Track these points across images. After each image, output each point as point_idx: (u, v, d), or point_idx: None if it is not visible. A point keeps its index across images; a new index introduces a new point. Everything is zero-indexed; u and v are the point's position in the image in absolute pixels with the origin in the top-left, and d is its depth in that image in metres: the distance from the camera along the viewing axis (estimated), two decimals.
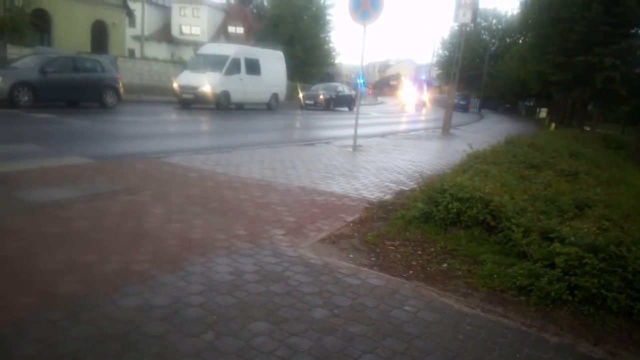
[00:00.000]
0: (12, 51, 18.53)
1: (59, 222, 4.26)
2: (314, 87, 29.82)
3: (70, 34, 25.73)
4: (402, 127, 21.29)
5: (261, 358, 2.50)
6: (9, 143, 8.20)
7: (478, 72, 49.81)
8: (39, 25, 24.47)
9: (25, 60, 14.97)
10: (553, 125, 27.54)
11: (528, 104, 56.06)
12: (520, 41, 43.19)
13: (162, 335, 2.62)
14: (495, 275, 3.84)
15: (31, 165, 6.39)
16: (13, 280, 3.08)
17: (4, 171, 5.88)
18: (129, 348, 2.47)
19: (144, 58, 29.69)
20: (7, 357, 2.30)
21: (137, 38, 36.90)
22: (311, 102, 27.76)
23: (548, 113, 42.65)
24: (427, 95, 52.92)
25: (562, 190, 5.96)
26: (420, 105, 47.19)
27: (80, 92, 15.18)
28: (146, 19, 33.39)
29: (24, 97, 13.24)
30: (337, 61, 46.47)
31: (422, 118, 30.21)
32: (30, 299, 2.85)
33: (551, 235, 4.11)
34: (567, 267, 3.56)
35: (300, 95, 28.29)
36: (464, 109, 44.76)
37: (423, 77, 60.58)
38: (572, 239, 3.85)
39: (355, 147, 11.02)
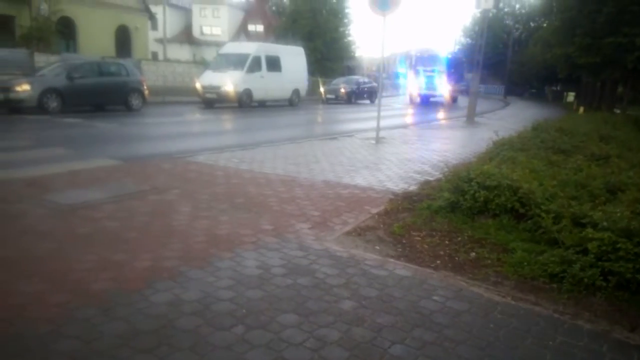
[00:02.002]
0: (40, 59, 19.04)
1: (90, 223, 4.37)
2: (335, 81, 29.73)
3: (95, 40, 26.26)
4: (424, 117, 21.04)
5: (291, 350, 2.52)
6: (40, 147, 8.44)
7: (502, 59, 48.80)
8: (65, 33, 25.05)
9: (52, 67, 15.36)
10: (581, 109, 26.79)
11: (555, 88, 54.68)
12: (545, 25, 42.09)
13: (194, 329, 2.66)
14: (525, 263, 3.77)
15: (61, 168, 6.57)
16: (47, 279, 3.18)
17: (35, 175, 6.06)
18: (162, 343, 2.52)
19: (166, 60, 30.09)
20: (44, 352, 2.38)
21: (159, 41, 37.39)
22: (332, 96, 27.70)
23: (576, 97, 41.53)
24: (455, 84, 51.60)
25: (593, 174, 5.81)
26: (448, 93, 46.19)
27: (106, 96, 15.51)
28: (168, 21, 33.80)
29: (53, 103, 13.60)
30: (357, 54, 46.20)
31: (445, 107, 29.76)
32: (64, 297, 2.94)
33: (583, 221, 4.02)
34: (600, 253, 3.47)
35: (322, 89, 28.26)
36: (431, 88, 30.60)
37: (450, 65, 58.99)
38: (605, 224, 3.75)
39: (378, 139, 10.95)
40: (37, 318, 2.68)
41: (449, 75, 30.10)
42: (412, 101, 30.32)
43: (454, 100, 31.68)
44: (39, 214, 4.57)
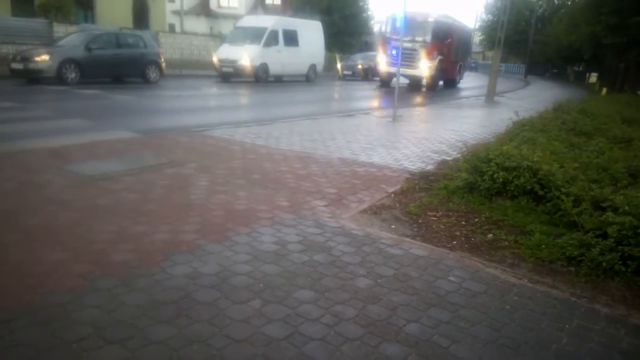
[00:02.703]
0: (58, 29, 19.08)
1: (110, 194, 4.43)
2: (352, 57, 29.35)
3: (113, 11, 26.13)
4: (443, 95, 20.74)
5: (307, 325, 2.55)
6: (60, 118, 8.52)
7: (524, 37, 47.64)
8: (83, 3, 24.99)
9: (70, 37, 15.38)
10: (604, 91, 26.17)
11: (577, 69, 53.40)
12: (570, 2, 40.86)
13: (212, 302, 2.71)
14: (543, 246, 3.75)
15: (81, 139, 6.64)
16: (69, 249, 3.24)
17: (56, 146, 6.14)
18: (181, 314, 2.56)
19: (183, 33, 29.93)
20: (67, 321, 2.44)
21: (176, 13, 37.12)
22: (349, 72, 27.40)
23: (598, 78, 40.52)
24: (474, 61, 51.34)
25: (615, 157, 5.70)
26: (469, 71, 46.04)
27: (124, 68, 15.54)
28: None
29: (72, 74, 13.67)
30: (375, 30, 45.49)
31: (465, 86, 29.28)
32: (86, 267, 3.00)
33: (603, 205, 3.96)
34: (621, 237, 3.43)
35: (339, 65, 27.94)
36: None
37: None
38: (626, 207, 3.69)
39: (396, 117, 10.85)
40: (60, 287, 2.75)
41: (438, 48, 21.43)
42: (382, 84, 22.62)
43: (452, 82, 24.93)
44: (61, 184, 4.64)
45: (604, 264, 3.36)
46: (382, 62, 22.07)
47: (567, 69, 54.65)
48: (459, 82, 26.45)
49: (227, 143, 7.11)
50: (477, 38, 62.13)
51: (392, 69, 19.64)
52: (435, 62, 21.17)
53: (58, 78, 13.37)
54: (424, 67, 20.90)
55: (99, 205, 4.11)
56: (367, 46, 41.98)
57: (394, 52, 19.48)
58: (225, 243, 3.52)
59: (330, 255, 3.45)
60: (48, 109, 9.65)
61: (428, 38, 20.84)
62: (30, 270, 2.92)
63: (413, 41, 20.43)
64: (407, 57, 19.50)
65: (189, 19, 42.54)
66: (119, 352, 2.24)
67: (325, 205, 4.59)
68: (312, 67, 23.12)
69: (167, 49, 22.66)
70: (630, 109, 12.85)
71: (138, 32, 18.62)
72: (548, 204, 4.47)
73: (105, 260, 3.11)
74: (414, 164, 6.56)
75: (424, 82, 22.01)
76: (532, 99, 21.18)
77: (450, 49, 23.01)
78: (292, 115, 10.68)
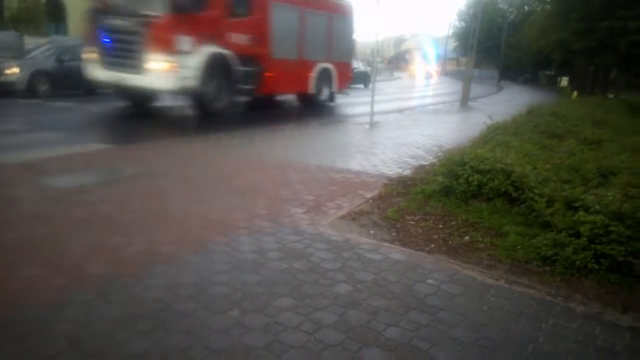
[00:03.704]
0: (29, 42, 18.70)
1: (85, 207, 4.35)
2: None
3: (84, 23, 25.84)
4: (419, 101, 20.99)
5: (287, 333, 2.54)
6: (32, 132, 8.33)
7: (496, 43, 48.59)
8: (54, 15, 24.61)
9: (41, 49, 15.09)
10: (575, 94, 26.85)
11: (549, 73, 54.70)
12: (539, 9, 41.88)
13: (190, 313, 2.67)
14: (518, 247, 3.81)
15: (54, 152, 6.50)
16: (45, 263, 3.17)
17: (28, 159, 6.00)
18: (159, 326, 2.53)
19: None
20: (46, 334, 2.38)
21: None
22: None
23: (569, 81, 41.58)
24: (434, 67, 52.72)
25: (586, 158, 5.85)
26: (428, 76, 47.43)
27: None
28: None
29: (43, 87, 13.38)
30: None
31: (440, 92, 29.71)
32: (62, 281, 2.94)
33: (575, 204, 4.05)
34: (593, 236, 3.51)
35: None
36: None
37: (430, 49, 60.49)
38: (597, 207, 3.79)
39: (372, 124, 10.93)
40: (36, 302, 2.68)
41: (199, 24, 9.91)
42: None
43: (307, 97, 14.44)
44: (35, 198, 4.54)
45: (578, 262, 3.43)
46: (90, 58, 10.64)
47: (539, 74, 55.95)
48: (332, 99, 15.47)
49: (205, 152, 7.06)
50: (451, 45, 63.39)
51: (111, 73, 10.02)
52: (195, 58, 9.80)
53: (29, 90, 13.08)
54: (156, 68, 9.40)
55: (74, 219, 4.03)
56: None
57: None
58: (203, 253, 3.49)
59: (310, 262, 3.45)
60: (19, 123, 9.43)
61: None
62: (5, 286, 2.84)
63: (133, 15, 9.59)
64: (122, 48, 9.79)
65: None
66: None
67: (303, 213, 4.58)
68: None
69: None
70: (600, 111, 13.20)
71: None
72: (522, 205, 4.55)
73: (81, 274, 3.04)
74: (392, 170, 6.61)
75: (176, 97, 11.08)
76: (505, 103, 21.60)
77: (265, 29, 11.87)
78: (268, 126, 10.66)
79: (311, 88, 14.06)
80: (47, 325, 2.47)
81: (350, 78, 16.90)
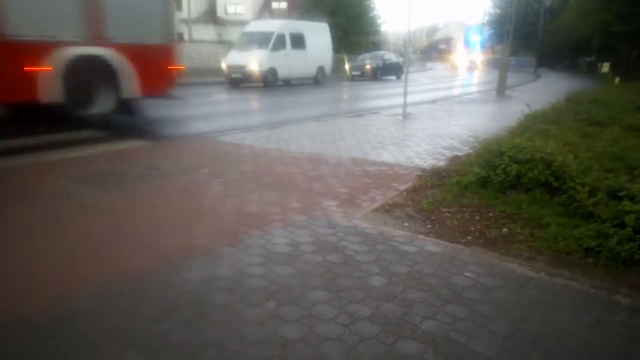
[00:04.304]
0: None
1: (123, 202, 4.47)
2: (360, 57, 29.31)
3: None
4: (453, 91, 20.63)
5: (322, 325, 2.54)
6: (72, 130, 8.61)
7: (533, 29, 47.10)
8: None
9: None
10: (617, 80, 25.79)
11: (589, 59, 52.65)
12: None
13: (227, 305, 2.71)
14: (560, 238, 3.69)
15: (94, 150, 6.71)
16: (86, 257, 3.28)
17: (68, 156, 6.21)
18: (198, 317, 2.58)
19: (192, 41, 30.18)
20: (89, 326, 2.47)
21: (184, 21, 37.51)
22: (358, 72, 27.35)
23: (611, 67, 39.93)
24: (479, 56, 49.99)
25: (630, 146, 5.63)
26: (472, 66, 45.15)
27: None
28: (192, 1, 33.83)
29: None
30: (382, 29, 45.45)
31: (475, 81, 29.13)
32: (103, 274, 3.03)
33: (620, 194, 3.90)
34: (639, 226, 3.37)
35: (347, 66, 27.92)
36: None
37: (475, 38, 56.47)
38: None
39: (405, 115, 10.80)
40: (79, 295, 2.78)
41: None
42: None
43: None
44: (74, 191, 4.69)
45: (623, 253, 3.30)
46: None
47: (578, 60, 53.93)
48: (129, 110, 9.33)
49: (238, 147, 7.14)
50: (485, 33, 61.72)
51: None
52: None
53: None
54: None
55: (114, 214, 4.16)
56: (375, 46, 41.96)
57: None
58: (239, 246, 3.53)
59: (344, 255, 3.44)
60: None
61: None
62: (48, 278, 2.96)
63: None
64: None
65: (197, 27, 42.93)
66: (134, 357, 2.25)
67: (337, 206, 4.58)
68: (320, 69, 23.14)
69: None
70: None
71: None
72: (563, 196, 4.41)
73: (121, 267, 3.13)
74: (425, 161, 6.52)
75: None
76: (543, 91, 20.95)
77: None
78: (301, 118, 10.69)
79: (49, 94, 7.45)
80: (90, 317, 2.56)
81: (171, 74, 9.53)
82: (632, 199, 3.69)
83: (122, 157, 6.42)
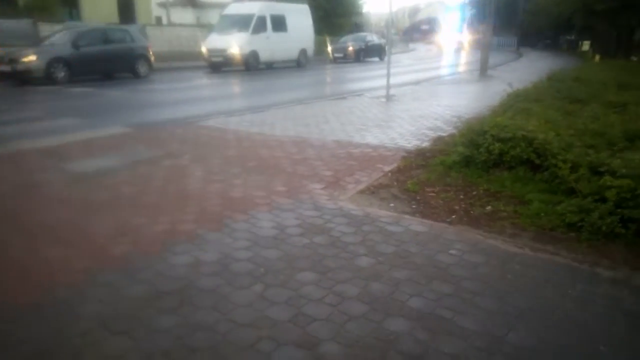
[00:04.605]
0: (44, 28, 18.82)
1: (107, 189, 4.41)
2: (342, 39, 29.07)
3: (98, 7, 25.81)
4: (436, 72, 20.61)
5: (311, 306, 2.55)
6: (52, 118, 8.45)
7: (514, 9, 47.17)
8: (67, 1, 24.66)
9: (57, 36, 15.20)
10: (597, 57, 26.04)
11: (569, 38, 53.00)
12: None
13: (214, 289, 2.71)
14: (542, 214, 3.75)
15: (75, 137, 6.59)
16: (69, 245, 3.23)
17: (50, 145, 6.10)
18: (185, 302, 2.57)
19: (171, 25, 29.64)
20: (72, 316, 2.44)
21: (162, 5, 36.76)
22: (340, 54, 27.16)
23: (591, 45, 40.26)
24: (466, 36, 49.36)
25: (611, 122, 5.70)
26: (459, 47, 44.80)
27: (113, 64, 15.37)
28: None
29: (61, 73, 13.54)
30: (364, 10, 45.05)
31: (458, 61, 29.10)
32: (87, 262, 2.99)
33: (601, 169, 3.96)
34: (619, 200, 3.43)
35: (329, 48, 27.70)
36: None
37: (457, 17, 55.67)
38: (624, 170, 3.69)
39: (389, 97, 10.78)
40: (63, 283, 2.74)
41: None
42: None
43: None
44: (59, 182, 4.62)
45: (604, 227, 3.36)
46: None
47: (559, 39, 54.25)
48: None
49: (221, 132, 7.07)
50: (468, 12, 61.56)
51: None
52: None
53: (47, 78, 13.25)
54: None
55: (97, 201, 4.10)
56: (357, 27, 41.63)
57: None
58: (225, 230, 3.51)
59: (330, 237, 3.45)
60: (39, 110, 9.57)
61: None
62: (33, 269, 2.91)
63: None
64: None
65: (176, 10, 42.08)
66: (124, 342, 2.24)
67: (322, 188, 4.57)
68: (303, 51, 22.90)
69: (156, 42, 22.33)
70: (624, 74, 12.79)
71: (125, 27, 18.38)
72: (545, 173, 4.46)
73: (106, 255, 3.10)
74: (410, 142, 6.53)
75: None
76: (525, 70, 21.06)
77: None
78: (284, 101, 10.61)
79: None
80: (76, 306, 2.53)
81: None
82: (612, 174, 3.74)
83: (102, 144, 6.31)
